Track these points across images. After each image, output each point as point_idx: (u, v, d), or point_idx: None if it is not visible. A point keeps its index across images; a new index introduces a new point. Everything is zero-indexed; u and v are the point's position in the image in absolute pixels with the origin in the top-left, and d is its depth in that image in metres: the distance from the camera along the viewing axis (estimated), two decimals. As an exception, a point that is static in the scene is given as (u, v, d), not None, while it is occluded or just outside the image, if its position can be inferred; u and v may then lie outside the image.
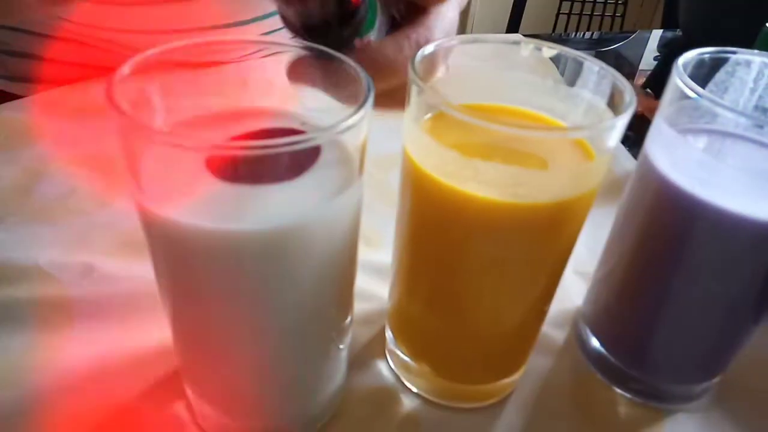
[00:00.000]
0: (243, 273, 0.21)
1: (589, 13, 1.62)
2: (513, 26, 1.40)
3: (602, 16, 1.63)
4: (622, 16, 1.64)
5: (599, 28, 1.63)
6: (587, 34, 1.31)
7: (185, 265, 0.21)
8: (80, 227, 0.38)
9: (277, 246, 0.20)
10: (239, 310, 0.22)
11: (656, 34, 0.80)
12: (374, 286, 0.36)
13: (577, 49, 0.25)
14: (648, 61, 0.74)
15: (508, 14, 1.42)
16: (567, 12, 1.62)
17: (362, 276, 0.37)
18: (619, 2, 1.63)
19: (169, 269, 0.22)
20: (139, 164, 0.19)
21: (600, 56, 0.78)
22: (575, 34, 1.34)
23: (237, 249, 0.20)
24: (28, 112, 0.47)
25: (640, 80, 0.69)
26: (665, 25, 1.25)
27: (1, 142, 0.44)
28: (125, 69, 0.19)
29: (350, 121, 0.19)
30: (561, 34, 1.36)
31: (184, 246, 0.20)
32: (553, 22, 1.64)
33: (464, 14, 2.12)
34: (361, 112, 0.19)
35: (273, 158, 0.18)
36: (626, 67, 0.73)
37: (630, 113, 0.21)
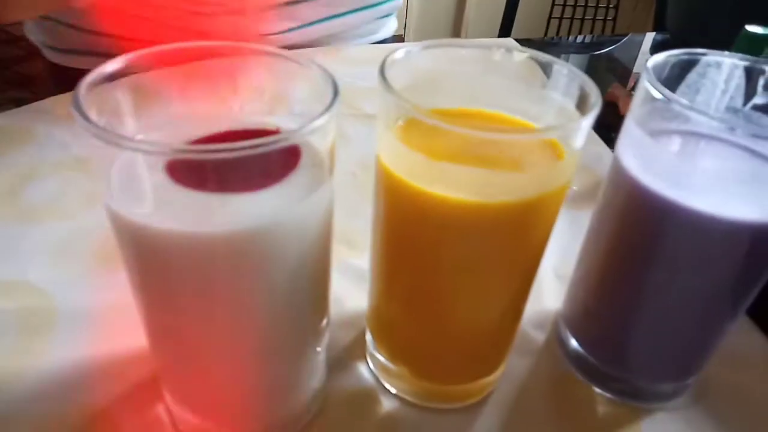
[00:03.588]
0: (211, 277, 0.21)
1: (581, 17, 1.63)
2: (505, 31, 1.41)
3: (593, 20, 1.64)
4: (614, 20, 1.65)
5: (591, 32, 1.64)
6: (579, 38, 1.32)
7: (155, 269, 0.21)
8: (68, 231, 0.38)
9: (246, 249, 0.20)
10: (210, 313, 0.22)
11: (650, 37, 0.81)
12: (357, 290, 0.36)
13: (570, 53, 0.25)
14: (642, 63, 0.74)
15: (500, 19, 1.43)
16: (558, 16, 1.63)
17: (345, 279, 0.37)
18: (611, 6, 1.64)
19: (140, 274, 0.22)
20: (108, 168, 0.20)
21: (594, 60, 0.79)
22: (567, 38, 1.34)
23: (204, 252, 0.20)
24: (18, 119, 0.48)
25: (633, 83, 0.70)
26: (657, 28, 1.26)
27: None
28: (94, 75, 0.19)
29: (318, 123, 0.19)
30: (553, 38, 1.37)
31: (152, 250, 0.20)
32: (545, 27, 1.65)
33: (458, 18, 2.13)
34: (329, 114, 0.19)
35: (237, 162, 0.18)
36: (619, 70, 0.73)
37: (594, 114, 0.22)
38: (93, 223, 0.39)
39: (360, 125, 0.51)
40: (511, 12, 1.40)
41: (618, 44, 0.80)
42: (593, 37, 1.30)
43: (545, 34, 1.63)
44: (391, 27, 0.74)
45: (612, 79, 0.70)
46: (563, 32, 1.64)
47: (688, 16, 0.78)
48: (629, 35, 0.82)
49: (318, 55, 0.61)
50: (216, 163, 0.18)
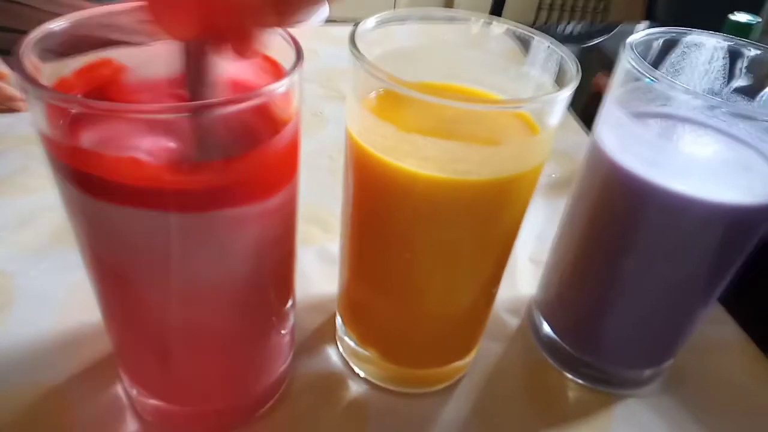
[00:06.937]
0: (164, 251, 0.20)
1: (571, 7, 1.62)
2: (494, 18, 1.40)
3: (584, 11, 1.63)
4: (604, 11, 1.64)
5: (581, 20, 1.63)
6: (570, 27, 1.30)
7: (109, 244, 0.20)
8: (29, 207, 0.37)
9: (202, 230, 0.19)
10: (167, 289, 0.21)
11: (640, 28, 0.80)
12: (331, 273, 0.35)
13: (560, 42, 0.24)
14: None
15: (489, 7, 1.42)
16: (549, 5, 1.62)
17: (319, 262, 0.36)
18: (601, -4, 1.63)
19: (94, 249, 0.21)
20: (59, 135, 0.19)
21: (585, 51, 0.78)
22: (557, 27, 1.33)
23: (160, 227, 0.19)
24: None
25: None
26: (648, 18, 1.26)
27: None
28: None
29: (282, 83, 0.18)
30: (543, 25, 1.36)
31: (109, 225, 0.19)
32: (534, 15, 1.64)
33: (448, 6, 2.11)
34: (291, 77, 0.18)
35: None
36: (610, 61, 0.72)
37: (572, 88, 0.21)
38: (55, 199, 0.37)
39: (338, 106, 0.50)
40: (500, 0, 1.39)
41: (609, 35, 0.79)
42: (583, 25, 1.29)
43: (534, 23, 1.62)
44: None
45: (602, 70, 0.69)
46: (552, 22, 1.63)
47: (676, 5, 0.77)
48: (621, 25, 0.81)
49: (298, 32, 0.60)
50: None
